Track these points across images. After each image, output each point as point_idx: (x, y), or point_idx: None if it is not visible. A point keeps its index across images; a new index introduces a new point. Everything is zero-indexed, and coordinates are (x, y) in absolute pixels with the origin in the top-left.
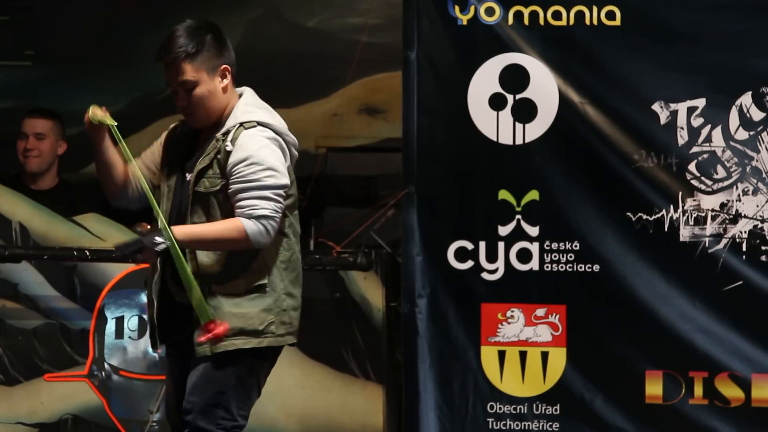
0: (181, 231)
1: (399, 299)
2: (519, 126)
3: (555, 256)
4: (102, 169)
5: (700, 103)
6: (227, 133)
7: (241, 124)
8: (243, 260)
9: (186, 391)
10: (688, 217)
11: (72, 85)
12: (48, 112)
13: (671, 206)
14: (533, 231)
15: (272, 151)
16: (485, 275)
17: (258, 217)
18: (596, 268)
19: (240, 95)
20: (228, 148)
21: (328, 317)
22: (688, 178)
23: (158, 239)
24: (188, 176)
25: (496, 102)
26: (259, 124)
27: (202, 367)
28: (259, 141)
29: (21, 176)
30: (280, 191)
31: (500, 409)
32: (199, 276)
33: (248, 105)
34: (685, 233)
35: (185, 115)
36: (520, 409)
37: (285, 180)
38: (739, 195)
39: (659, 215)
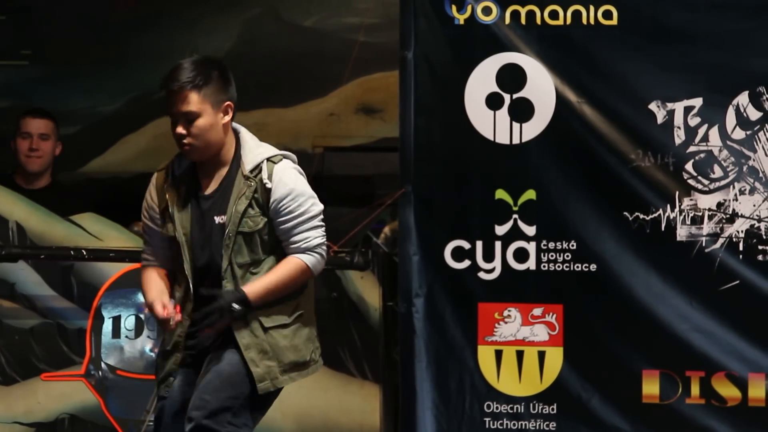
0: (252, 291)
1: (396, 299)
2: (516, 125)
3: (552, 256)
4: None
5: (697, 102)
6: (256, 170)
7: (268, 160)
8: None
9: (197, 387)
10: (685, 216)
11: (69, 84)
12: (47, 113)
13: (668, 206)
14: (530, 230)
15: (303, 179)
16: (482, 275)
17: (313, 249)
18: (593, 267)
19: (236, 131)
20: (268, 186)
21: (325, 317)
22: (685, 178)
23: (235, 307)
24: (219, 219)
25: (493, 101)
26: (284, 157)
27: (222, 369)
28: (291, 173)
29: (14, 176)
30: (321, 216)
31: (497, 408)
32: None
33: (254, 140)
34: (682, 233)
35: (182, 146)
36: (517, 408)
37: (321, 206)
38: (735, 194)
39: (656, 215)
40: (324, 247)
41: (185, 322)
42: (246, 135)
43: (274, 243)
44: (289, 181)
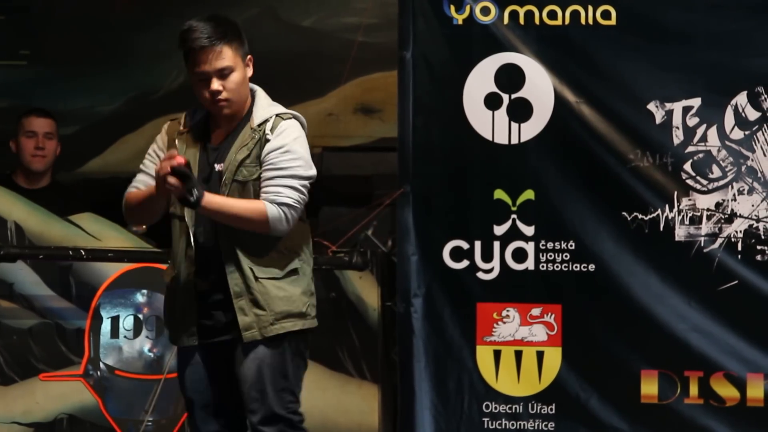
0: (209, 197)
1: (394, 299)
2: (514, 125)
3: (550, 256)
4: (152, 208)
5: (696, 102)
6: (264, 123)
7: (278, 115)
8: (273, 241)
9: (239, 378)
10: (683, 216)
11: (67, 84)
12: (48, 112)
13: (666, 206)
14: (529, 230)
15: (304, 143)
16: (481, 275)
17: (280, 204)
18: (591, 267)
19: (252, 89)
20: (268, 137)
21: (324, 317)
22: (684, 178)
23: (195, 192)
24: (219, 166)
25: (492, 101)
26: (293, 117)
27: (255, 354)
28: (294, 132)
29: (13, 176)
30: (307, 182)
31: (496, 408)
32: (239, 252)
33: (268, 99)
34: (680, 233)
35: (217, 103)
36: (516, 408)
37: (313, 171)
38: (734, 194)
39: (654, 215)
40: (293, 212)
41: (190, 254)
42: (261, 93)
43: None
44: (287, 137)
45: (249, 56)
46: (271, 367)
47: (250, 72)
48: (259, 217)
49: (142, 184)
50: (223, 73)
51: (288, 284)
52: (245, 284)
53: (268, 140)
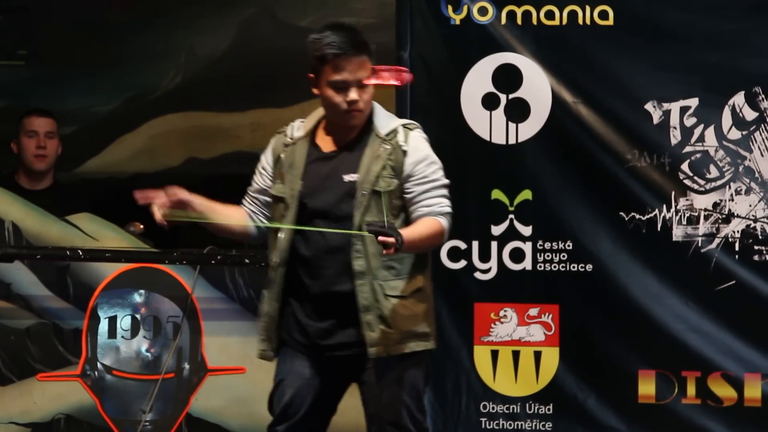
0: (407, 234)
1: None
2: (512, 126)
3: (548, 256)
4: (221, 230)
5: (693, 102)
6: (391, 134)
7: (403, 126)
8: (401, 259)
9: (374, 401)
10: (680, 216)
11: (65, 84)
12: (49, 112)
13: (664, 206)
14: (526, 231)
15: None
16: (478, 275)
17: (445, 214)
18: (589, 267)
19: None
20: (404, 148)
21: None
22: (681, 178)
23: (390, 240)
24: (349, 177)
25: (489, 102)
26: (417, 126)
27: (390, 378)
28: (426, 142)
29: (14, 176)
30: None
31: (493, 408)
32: (370, 273)
33: (383, 109)
34: (677, 233)
35: (350, 112)
36: (513, 408)
37: (447, 180)
38: (731, 194)
39: (652, 215)
40: (451, 219)
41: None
42: (376, 104)
43: (400, 207)
44: (424, 148)
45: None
46: (405, 384)
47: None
48: (440, 233)
49: (246, 199)
50: (362, 84)
51: (413, 304)
52: (374, 299)
53: (404, 151)
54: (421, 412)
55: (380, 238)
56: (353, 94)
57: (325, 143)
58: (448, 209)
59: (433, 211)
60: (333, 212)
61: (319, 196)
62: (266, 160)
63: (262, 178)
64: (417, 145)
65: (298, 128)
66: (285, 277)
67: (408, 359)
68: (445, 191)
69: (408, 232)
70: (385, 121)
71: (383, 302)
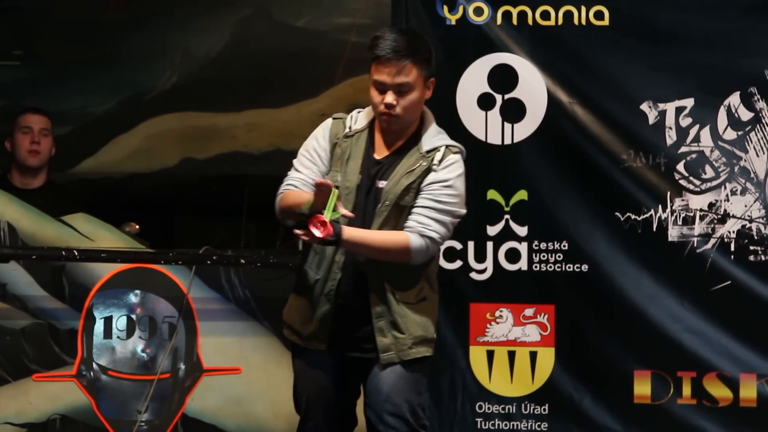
0: (348, 232)
1: None
2: (507, 126)
3: (543, 256)
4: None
5: (689, 103)
6: (433, 151)
7: (447, 147)
8: (412, 268)
9: (371, 390)
10: (676, 217)
11: (60, 84)
12: (43, 110)
13: (660, 206)
14: (522, 231)
15: (463, 181)
16: (474, 275)
17: (425, 236)
18: (585, 268)
19: (423, 112)
20: (435, 168)
21: None
22: (677, 178)
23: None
24: (381, 183)
25: (485, 102)
26: (460, 151)
27: (393, 371)
28: (459, 168)
29: (7, 176)
30: (456, 221)
31: (489, 409)
32: (382, 273)
33: (435, 125)
34: (673, 233)
35: (386, 115)
36: (509, 409)
37: (464, 210)
38: (727, 195)
39: (648, 215)
40: (434, 247)
41: (338, 260)
42: (430, 116)
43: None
44: (452, 172)
45: (432, 79)
46: (408, 383)
47: (428, 94)
48: (401, 248)
49: (300, 183)
50: (402, 90)
51: (423, 310)
52: (387, 306)
53: (434, 170)
54: (421, 409)
55: (296, 231)
56: (389, 98)
57: (379, 144)
58: (435, 235)
59: (415, 228)
60: (364, 215)
61: (360, 198)
62: (321, 144)
63: (320, 162)
64: (448, 168)
65: (356, 120)
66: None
67: (415, 363)
68: (445, 218)
69: (354, 232)
70: (432, 138)
71: (395, 308)
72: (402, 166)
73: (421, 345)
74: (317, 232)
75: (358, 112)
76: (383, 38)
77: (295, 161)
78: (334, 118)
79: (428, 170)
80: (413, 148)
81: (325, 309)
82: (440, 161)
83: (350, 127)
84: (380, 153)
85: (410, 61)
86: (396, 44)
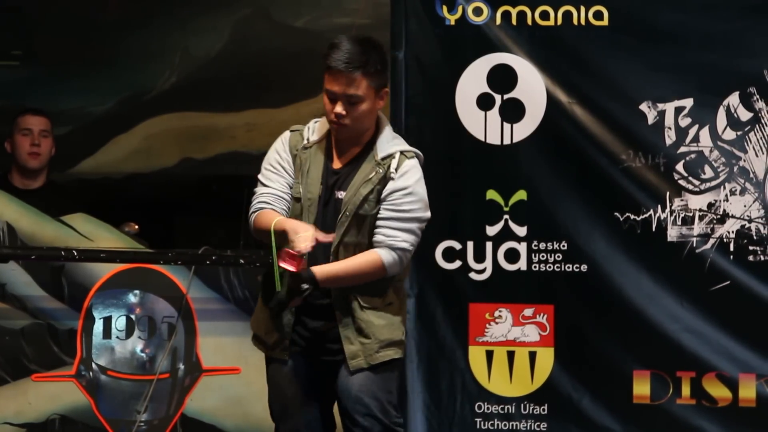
0: (321, 272)
1: None
2: (507, 126)
3: (543, 256)
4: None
5: (688, 103)
6: (388, 158)
7: (402, 153)
8: (382, 278)
9: (343, 394)
10: (675, 217)
11: (60, 85)
12: (43, 112)
13: (659, 206)
14: (521, 231)
15: (423, 184)
16: (473, 275)
17: (396, 249)
18: (584, 268)
19: (378, 117)
20: (392, 176)
21: None
22: (676, 178)
23: (304, 286)
24: (340, 194)
25: (484, 102)
26: (416, 155)
27: (363, 374)
28: (417, 173)
29: (8, 176)
30: (423, 225)
31: (488, 409)
32: (344, 289)
33: (391, 131)
34: (672, 233)
35: (337, 124)
36: (508, 409)
37: (429, 214)
38: (726, 195)
39: (647, 215)
40: (407, 255)
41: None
42: (385, 121)
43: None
44: (410, 179)
45: (386, 89)
46: (378, 382)
47: (381, 104)
48: (375, 268)
49: (271, 198)
50: (351, 101)
51: (388, 312)
52: (351, 313)
53: (391, 179)
54: (392, 406)
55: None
56: (339, 108)
57: (336, 156)
58: (405, 245)
59: (384, 242)
60: (324, 225)
61: (321, 210)
62: (283, 156)
63: (285, 174)
64: (405, 174)
65: (314, 131)
66: None
67: (384, 366)
68: (412, 225)
69: (327, 269)
70: (386, 144)
71: (359, 314)
72: (359, 176)
73: (388, 348)
74: (290, 267)
75: (315, 122)
76: (337, 48)
77: (260, 176)
78: (291, 131)
79: (385, 178)
80: (369, 156)
81: (287, 318)
82: (396, 169)
83: (308, 139)
84: (337, 163)
85: (360, 73)
86: (348, 56)
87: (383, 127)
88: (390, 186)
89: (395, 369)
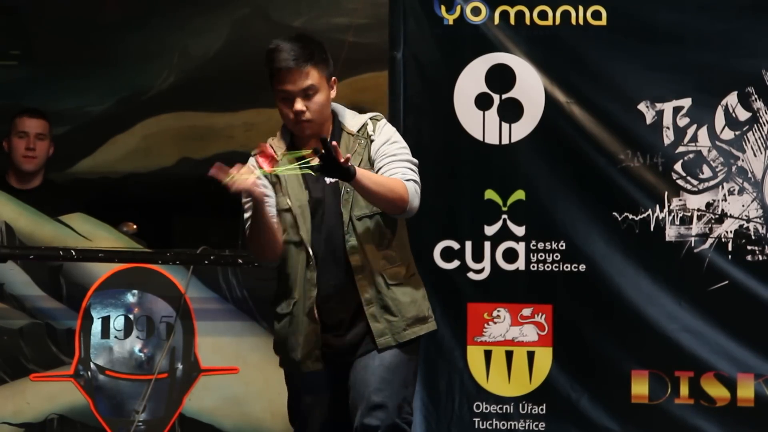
0: (359, 170)
1: None
2: (505, 126)
3: (541, 256)
4: (264, 234)
5: (686, 102)
6: (362, 128)
7: (371, 119)
8: (394, 248)
9: (363, 383)
10: (674, 216)
11: (58, 84)
12: (41, 113)
13: (657, 206)
14: (519, 231)
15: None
16: (471, 275)
17: (409, 180)
18: (582, 267)
19: (333, 107)
20: (372, 137)
21: None
22: (674, 178)
23: (348, 165)
24: (330, 180)
25: (483, 102)
26: (383, 117)
27: (383, 358)
28: (392, 127)
29: (5, 176)
30: (416, 168)
31: (486, 408)
32: (368, 266)
33: (349, 110)
34: (671, 233)
35: (300, 122)
36: (506, 408)
37: (416, 160)
38: (724, 195)
39: (645, 215)
40: (418, 187)
41: (310, 277)
42: (339, 105)
43: None
44: (389, 131)
45: (334, 78)
46: (395, 373)
47: (333, 93)
48: (402, 192)
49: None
50: (308, 93)
51: (412, 289)
52: (376, 291)
53: (372, 140)
54: (407, 403)
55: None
56: (298, 105)
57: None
58: (413, 176)
59: (395, 176)
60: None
61: (321, 202)
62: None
63: (266, 189)
64: (383, 130)
65: (278, 146)
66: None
67: (411, 344)
68: (408, 164)
69: (364, 172)
70: (352, 119)
71: (386, 292)
72: (342, 152)
73: (414, 325)
74: (265, 164)
75: (272, 139)
76: (278, 50)
77: (243, 201)
78: (252, 155)
79: (367, 145)
80: (342, 135)
81: (311, 328)
82: (374, 131)
83: (277, 150)
84: (312, 161)
85: (310, 65)
86: (294, 53)
87: (340, 110)
88: (375, 144)
89: (416, 351)
